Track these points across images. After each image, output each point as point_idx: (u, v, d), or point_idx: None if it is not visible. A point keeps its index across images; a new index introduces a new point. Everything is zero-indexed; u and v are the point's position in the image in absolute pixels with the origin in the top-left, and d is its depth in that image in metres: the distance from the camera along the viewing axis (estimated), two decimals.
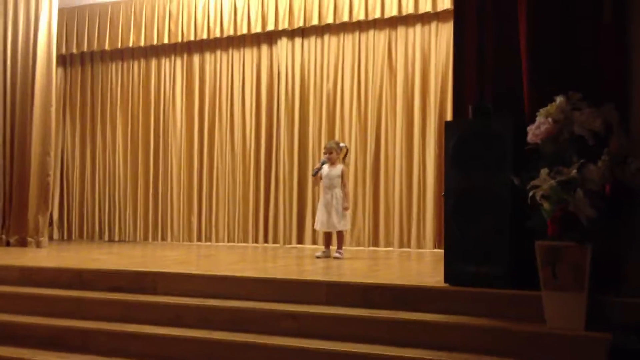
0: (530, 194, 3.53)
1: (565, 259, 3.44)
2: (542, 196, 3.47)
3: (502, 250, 3.97)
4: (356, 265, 5.95)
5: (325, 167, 6.52)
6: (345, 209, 6.49)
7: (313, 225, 7.81)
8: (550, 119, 3.67)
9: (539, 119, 3.72)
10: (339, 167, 6.50)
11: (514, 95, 4.19)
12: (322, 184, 6.59)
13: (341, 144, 6.66)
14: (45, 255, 7.06)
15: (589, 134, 3.62)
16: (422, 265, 6.15)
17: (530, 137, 3.69)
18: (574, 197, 3.36)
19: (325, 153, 6.59)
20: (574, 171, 3.44)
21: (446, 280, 4.18)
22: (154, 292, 4.92)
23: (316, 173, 6.63)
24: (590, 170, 3.43)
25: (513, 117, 4.05)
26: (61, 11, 8.50)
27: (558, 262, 3.45)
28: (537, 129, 3.67)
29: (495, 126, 4.05)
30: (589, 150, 3.58)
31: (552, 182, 3.44)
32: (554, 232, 3.40)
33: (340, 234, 6.59)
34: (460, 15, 4.50)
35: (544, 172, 3.52)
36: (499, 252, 3.98)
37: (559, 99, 3.72)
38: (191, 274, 5.10)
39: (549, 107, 3.72)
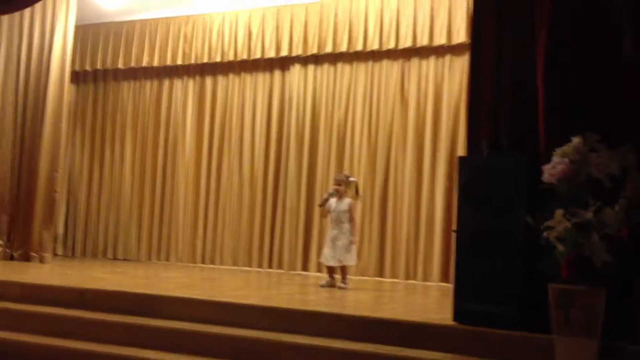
0: (544, 235, 3.47)
1: (579, 303, 3.37)
2: (557, 238, 3.41)
3: (514, 290, 3.90)
4: (361, 297, 5.88)
5: (333, 202, 6.44)
6: (352, 242, 6.40)
7: (319, 252, 7.77)
8: (566, 160, 3.62)
9: (555, 158, 3.67)
10: (346, 202, 6.42)
11: (529, 133, 4.14)
12: (330, 217, 6.52)
13: (350, 178, 6.58)
14: (48, 272, 7.00)
15: (605, 177, 3.57)
16: (429, 299, 6.07)
17: (545, 177, 3.63)
18: (590, 241, 3.29)
19: (334, 184, 6.53)
20: (590, 214, 3.39)
21: (455, 318, 4.10)
22: (156, 316, 4.86)
23: (323, 204, 6.55)
24: (607, 213, 3.38)
25: (528, 155, 4.01)
26: (76, 28, 8.52)
27: (571, 306, 3.38)
28: (553, 168, 3.62)
29: (510, 164, 4.01)
30: (606, 192, 3.53)
31: (567, 224, 3.38)
32: (567, 276, 3.33)
33: (343, 267, 6.49)
34: (477, 49, 4.48)
35: (558, 213, 3.46)
36: (510, 292, 3.91)
37: (576, 140, 3.67)
38: (194, 299, 5.04)
39: (565, 148, 3.67)
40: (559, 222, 3.44)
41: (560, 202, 3.54)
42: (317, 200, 7.28)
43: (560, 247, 3.38)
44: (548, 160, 3.73)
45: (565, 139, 3.71)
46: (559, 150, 3.68)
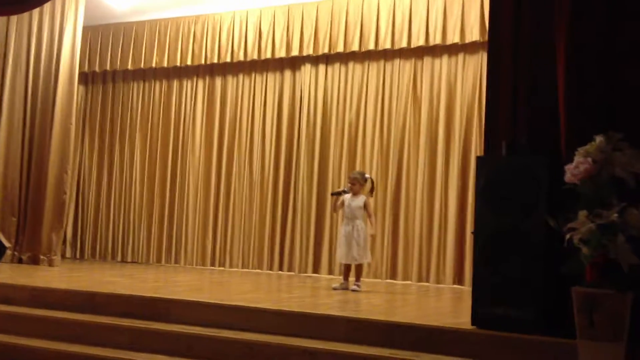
0: (568, 236, 3.35)
1: (604, 307, 3.24)
2: (581, 240, 3.29)
3: (534, 293, 3.79)
4: (374, 300, 5.78)
5: (347, 197, 6.36)
6: (371, 236, 6.34)
7: (330, 254, 7.69)
8: (589, 159, 3.50)
9: (578, 158, 3.55)
10: (362, 198, 6.34)
11: (549, 132, 4.04)
12: (342, 213, 6.44)
13: (366, 176, 6.50)
14: (57, 275, 6.94)
15: (629, 176, 3.45)
16: (443, 302, 5.96)
17: (568, 177, 3.51)
18: (616, 243, 3.17)
19: (349, 183, 6.44)
20: (615, 215, 3.27)
21: (473, 322, 3.99)
22: (166, 320, 4.78)
23: (336, 194, 6.51)
24: (633, 214, 3.25)
25: (548, 155, 3.90)
26: (85, 29, 8.46)
27: (596, 310, 3.26)
28: (576, 168, 3.50)
29: (530, 163, 3.90)
30: (630, 193, 3.41)
31: (592, 225, 3.26)
32: (592, 279, 3.21)
33: (358, 267, 6.41)
34: (494, 47, 4.37)
35: (582, 214, 3.34)
36: (530, 296, 3.80)
37: (599, 139, 3.55)
38: (204, 302, 4.96)
39: (588, 147, 3.55)
40: (582, 224, 3.32)
41: (584, 203, 3.42)
42: (330, 202, 7.19)
43: (585, 250, 3.26)
44: (569, 160, 3.61)
45: (586, 138, 3.59)
46: (581, 150, 3.56)
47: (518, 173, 3.90)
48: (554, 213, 3.55)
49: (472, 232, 4.15)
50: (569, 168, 3.53)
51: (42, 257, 7.88)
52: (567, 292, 3.45)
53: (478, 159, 4.20)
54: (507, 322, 3.85)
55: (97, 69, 9.33)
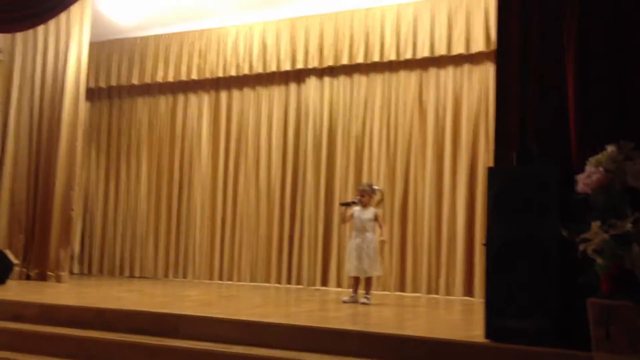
0: (581, 247, 3.32)
1: (620, 319, 3.20)
2: (594, 251, 3.25)
3: (548, 305, 3.75)
4: (385, 314, 5.74)
5: (357, 210, 6.33)
6: (382, 242, 6.32)
7: (338, 267, 7.65)
8: (601, 168, 3.47)
9: (589, 167, 3.52)
10: (371, 210, 6.31)
11: (559, 142, 4.00)
12: (352, 225, 6.40)
13: (375, 187, 6.48)
14: (65, 292, 6.91)
15: None
16: (454, 315, 5.91)
17: (580, 187, 3.48)
18: (630, 253, 3.14)
19: (358, 195, 6.41)
20: (629, 225, 3.23)
21: (487, 335, 3.94)
22: (176, 336, 4.73)
23: (345, 204, 6.46)
24: None
25: (559, 165, 3.87)
26: (91, 45, 8.47)
27: (612, 322, 3.22)
28: (588, 178, 3.47)
29: (541, 173, 3.87)
30: None
31: (605, 236, 3.23)
32: (608, 290, 3.17)
33: (368, 279, 6.36)
34: (503, 56, 4.35)
35: (595, 225, 3.30)
36: (545, 307, 3.75)
37: (610, 148, 3.53)
38: (215, 317, 4.92)
39: (599, 156, 3.52)
40: (595, 235, 3.28)
41: (597, 213, 3.39)
42: (338, 212, 7.16)
43: (599, 260, 3.23)
44: (581, 166, 3.59)
45: (598, 142, 3.57)
46: (592, 159, 3.53)
47: (529, 183, 3.87)
48: (567, 222, 3.52)
49: (483, 244, 4.11)
50: (580, 177, 3.50)
51: (50, 273, 7.88)
52: (582, 302, 3.41)
53: (489, 169, 4.17)
54: (521, 334, 3.80)
55: (102, 84, 9.36)
